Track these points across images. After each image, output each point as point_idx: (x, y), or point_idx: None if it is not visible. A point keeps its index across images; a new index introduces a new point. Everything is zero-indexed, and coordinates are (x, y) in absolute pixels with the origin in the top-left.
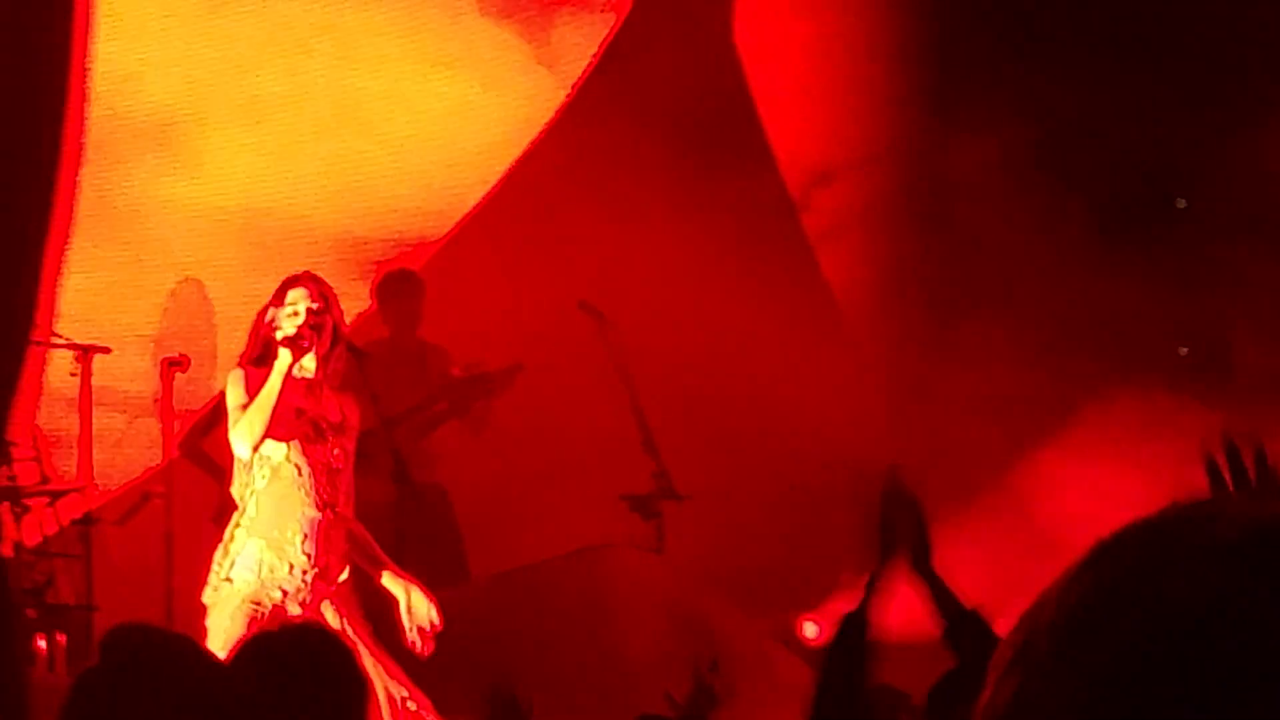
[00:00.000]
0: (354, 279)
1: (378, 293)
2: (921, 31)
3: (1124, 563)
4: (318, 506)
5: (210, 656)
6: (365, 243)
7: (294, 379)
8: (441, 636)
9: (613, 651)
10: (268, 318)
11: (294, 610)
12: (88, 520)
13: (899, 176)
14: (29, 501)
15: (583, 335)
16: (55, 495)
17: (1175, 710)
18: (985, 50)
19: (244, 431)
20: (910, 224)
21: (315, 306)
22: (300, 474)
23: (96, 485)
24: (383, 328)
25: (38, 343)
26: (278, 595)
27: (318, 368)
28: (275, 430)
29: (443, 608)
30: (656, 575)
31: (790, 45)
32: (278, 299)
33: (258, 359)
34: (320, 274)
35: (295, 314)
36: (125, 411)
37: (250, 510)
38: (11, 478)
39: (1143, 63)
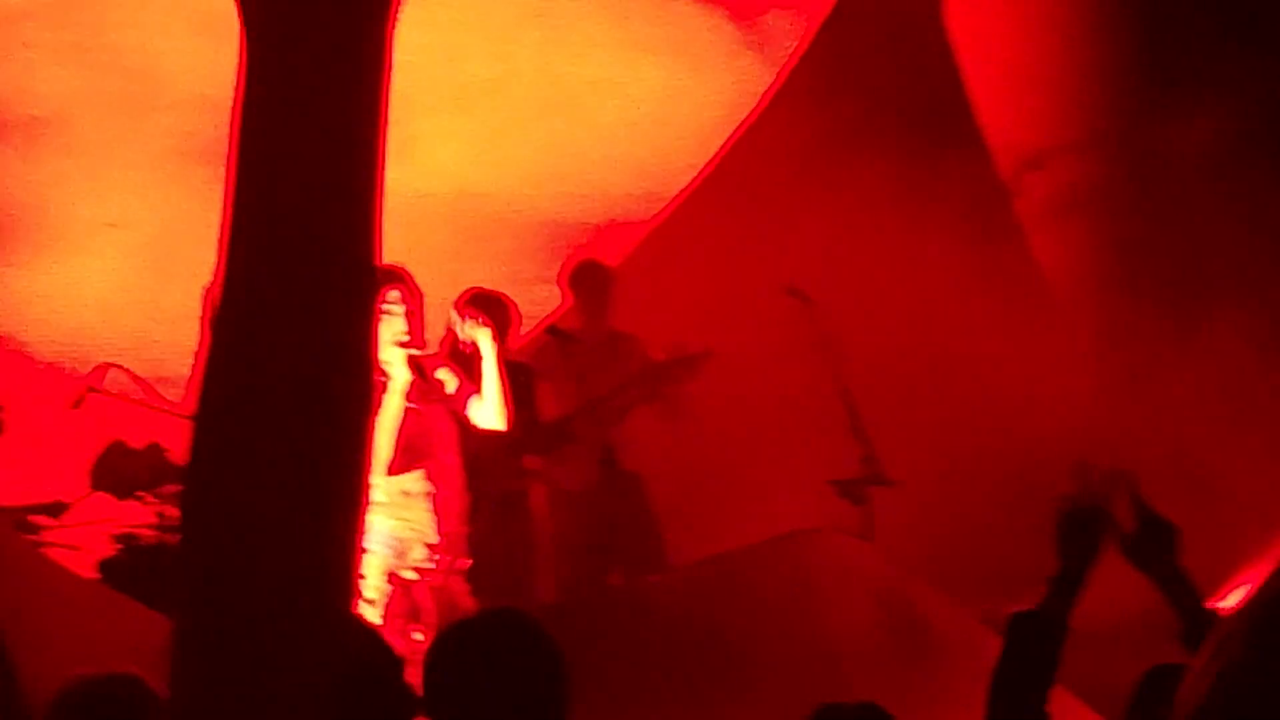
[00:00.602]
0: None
1: (569, 283)
2: (1134, 11)
3: None
4: (441, 485)
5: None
6: (573, 228)
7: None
8: (648, 622)
9: (820, 637)
10: None
11: (423, 586)
12: None
13: (1113, 159)
14: None
15: (792, 319)
16: None
17: None
18: (1200, 29)
19: (373, 464)
20: (1126, 207)
21: (409, 309)
22: (426, 455)
23: None
24: (576, 318)
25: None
26: (413, 574)
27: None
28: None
29: (648, 593)
30: (865, 560)
31: (1001, 28)
32: None
33: None
34: (527, 259)
35: (391, 314)
36: None
37: (381, 491)
38: None
39: None
